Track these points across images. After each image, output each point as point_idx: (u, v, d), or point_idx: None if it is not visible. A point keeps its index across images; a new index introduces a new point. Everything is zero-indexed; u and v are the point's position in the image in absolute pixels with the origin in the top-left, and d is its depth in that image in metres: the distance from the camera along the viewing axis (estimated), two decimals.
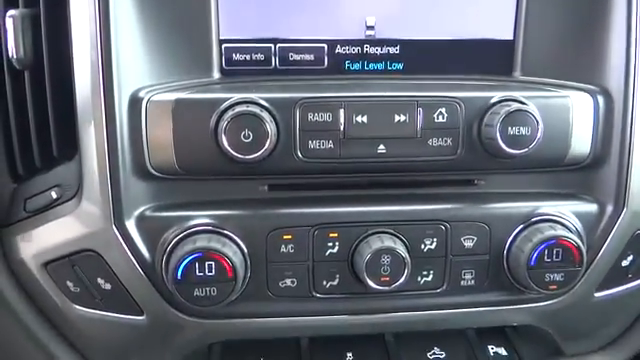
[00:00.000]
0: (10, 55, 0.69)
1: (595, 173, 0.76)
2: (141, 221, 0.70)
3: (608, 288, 0.80)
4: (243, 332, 0.75)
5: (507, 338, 0.84)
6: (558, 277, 0.72)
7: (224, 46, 0.74)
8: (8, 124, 0.72)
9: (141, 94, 0.68)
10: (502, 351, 0.83)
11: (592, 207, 0.76)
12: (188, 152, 0.68)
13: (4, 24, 0.69)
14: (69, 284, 0.73)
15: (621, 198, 0.75)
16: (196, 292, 0.67)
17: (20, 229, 0.74)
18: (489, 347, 0.83)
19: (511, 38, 0.78)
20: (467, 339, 0.83)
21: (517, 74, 0.79)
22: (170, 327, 0.74)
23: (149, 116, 0.68)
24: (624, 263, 0.79)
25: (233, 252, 0.68)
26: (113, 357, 0.81)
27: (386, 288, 0.70)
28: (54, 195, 0.72)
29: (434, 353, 0.82)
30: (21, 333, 0.77)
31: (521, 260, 0.72)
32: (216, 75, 0.74)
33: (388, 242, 0.70)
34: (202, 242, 0.67)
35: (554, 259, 0.71)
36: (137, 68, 0.69)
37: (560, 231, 0.72)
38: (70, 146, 0.71)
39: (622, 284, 0.81)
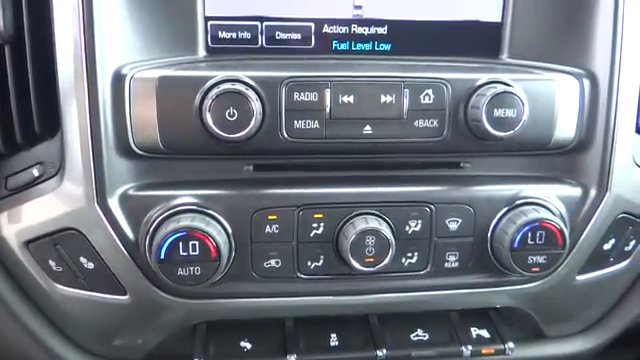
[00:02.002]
0: None
1: (579, 157, 0.76)
2: (124, 200, 0.69)
3: (590, 271, 0.81)
4: (227, 312, 0.75)
5: (490, 320, 0.85)
6: (541, 259, 0.72)
7: (210, 23, 0.73)
8: None
9: (124, 71, 0.67)
10: (485, 333, 0.83)
11: (576, 191, 0.76)
12: (172, 130, 0.68)
13: None
14: (51, 263, 0.72)
15: (604, 182, 0.76)
16: (180, 272, 0.67)
17: (1, 207, 0.73)
18: (472, 329, 0.83)
19: (499, 20, 0.77)
20: (450, 321, 0.84)
21: (504, 56, 0.79)
22: (154, 307, 0.74)
23: (133, 93, 0.67)
24: (606, 247, 0.80)
25: (217, 232, 0.68)
26: (96, 337, 0.80)
27: (370, 269, 0.70)
28: (36, 173, 0.71)
29: (417, 335, 0.82)
30: (3, 312, 0.76)
31: (505, 242, 0.72)
32: (202, 53, 0.74)
33: (373, 223, 0.70)
34: (186, 221, 0.67)
35: (537, 242, 0.72)
36: (121, 44, 0.68)
37: (544, 214, 0.72)
38: (52, 123, 0.70)
39: (604, 267, 0.82)
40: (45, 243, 0.71)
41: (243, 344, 0.79)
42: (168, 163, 0.71)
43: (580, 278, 0.81)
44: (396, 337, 0.81)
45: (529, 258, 0.72)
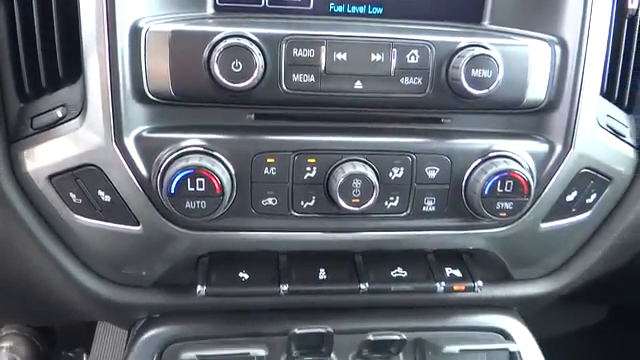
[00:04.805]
0: None
1: (548, 117, 0.84)
2: (139, 141, 0.77)
3: (553, 220, 0.90)
4: (228, 244, 0.84)
5: (463, 262, 0.94)
6: (508, 206, 0.81)
7: None
8: (16, 46, 0.78)
9: (141, 24, 0.74)
10: (457, 273, 0.93)
11: (543, 147, 0.85)
12: (183, 79, 0.75)
13: None
14: (72, 196, 0.81)
15: (569, 139, 0.84)
16: (187, 205, 0.75)
17: (27, 145, 0.81)
18: (446, 269, 0.93)
19: None
20: (427, 262, 0.93)
21: (486, 23, 0.86)
22: (163, 237, 0.83)
23: (148, 45, 0.74)
24: (569, 198, 0.89)
25: (221, 171, 0.76)
26: (110, 265, 0.90)
27: (356, 209, 0.79)
28: (59, 114, 0.78)
29: (397, 272, 0.92)
30: (28, 240, 0.85)
31: (476, 189, 0.81)
32: (210, 10, 0.81)
33: (360, 168, 0.79)
34: (194, 160, 0.75)
35: (505, 190, 0.81)
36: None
37: (512, 165, 0.81)
38: (75, 69, 0.77)
39: (566, 217, 0.91)
40: (67, 177, 0.79)
41: (241, 274, 0.88)
42: (178, 109, 0.79)
43: (544, 226, 0.90)
44: (378, 273, 0.91)
45: (497, 204, 0.81)
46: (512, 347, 0.92)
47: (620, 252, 1.03)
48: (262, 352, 0.86)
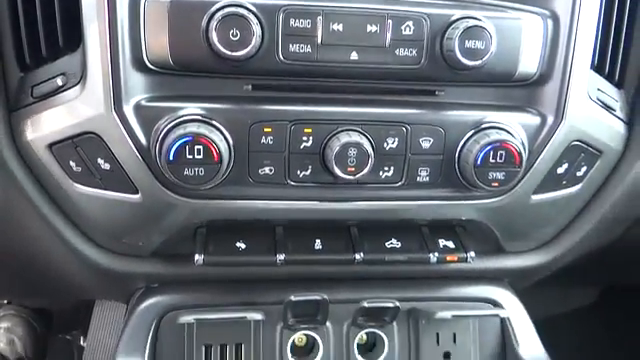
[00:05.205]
0: None
1: (540, 89, 0.86)
2: (138, 109, 0.78)
3: (544, 192, 0.92)
4: (226, 212, 0.86)
5: (456, 234, 0.96)
6: (500, 176, 0.83)
7: None
8: (17, 15, 0.79)
9: None
10: (450, 244, 0.95)
11: (535, 119, 0.86)
12: (181, 48, 0.76)
13: None
14: (72, 164, 0.82)
15: (560, 112, 0.86)
16: (186, 172, 0.77)
17: (27, 113, 0.82)
18: (439, 240, 0.95)
19: None
20: (421, 234, 0.95)
21: None
22: (162, 206, 0.84)
23: (147, 14, 0.75)
24: (559, 170, 0.90)
25: (219, 139, 0.77)
26: (109, 234, 0.91)
27: (351, 177, 0.80)
28: (59, 82, 0.79)
29: (391, 243, 0.93)
30: (28, 208, 0.86)
31: (469, 160, 0.83)
32: None
33: (355, 138, 0.80)
34: (192, 128, 0.76)
35: (497, 160, 0.82)
36: None
37: (504, 136, 0.82)
38: (75, 37, 0.78)
39: (557, 190, 0.93)
40: (67, 146, 0.81)
41: (238, 244, 0.90)
42: (177, 79, 0.80)
43: (535, 198, 0.92)
44: (372, 244, 0.93)
45: (490, 174, 0.83)
46: (502, 313, 0.94)
47: (610, 227, 1.05)
48: (259, 316, 0.87)
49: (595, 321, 1.84)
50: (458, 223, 0.97)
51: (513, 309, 1.00)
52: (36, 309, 1.93)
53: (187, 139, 0.76)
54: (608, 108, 0.91)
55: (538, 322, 1.04)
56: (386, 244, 0.93)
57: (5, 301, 1.94)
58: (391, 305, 0.89)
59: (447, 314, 0.91)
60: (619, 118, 0.94)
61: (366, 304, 0.88)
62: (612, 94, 0.93)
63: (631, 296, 1.73)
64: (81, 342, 1.91)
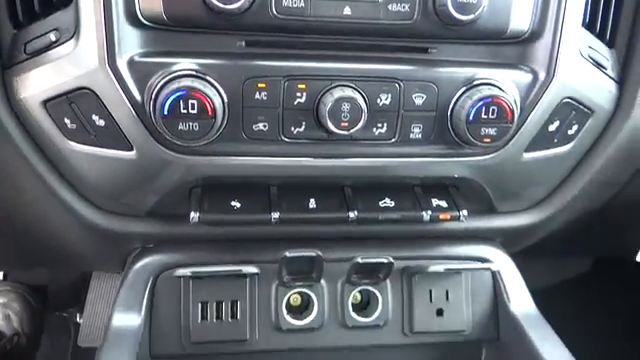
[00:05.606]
0: None
1: (531, 47, 0.87)
2: (132, 64, 0.79)
3: (536, 150, 0.93)
4: (221, 169, 0.86)
5: (449, 194, 0.97)
6: (492, 132, 0.84)
7: None
8: None
9: None
10: (443, 203, 0.96)
11: (527, 76, 0.87)
12: (175, 2, 0.76)
13: None
14: (66, 121, 0.82)
15: (552, 68, 0.86)
16: (180, 127, 0.77)
17: (21, 70, 0.82)
18: (432, 200, 0.96)
19: None
20: (414, 194, 0.96)
21: None
22: (157, 163, 0.84)
23: None
24: (551, 128, 0.91)
25: (213, 94, 0.78)
26: (104, 193, 0.91)
27: (345, 132, 0.81)
28: (52, 38, 0.79)
29: (385, 202, 0.94)
30: (24, 168, 0.87)
31: (462, 116, 0.83)
32: None
33: (349, 93, 0.81)
34: (186, 82, 0.77)
35: (489, 116, 0.83)
36: None
37: (496, 92, 0.83)
38: None
39: (548, 148, 0.94)
40: (61, 102, 0.81)
41: (233, 203, 0.90)
42: (171, 35, 0.80)
43: (527, 156, 0.93)
44: (366, 203, 0.94)
45: (482, 130, 0.84)
46: (494, 267, 0.96)
47: (600, 189, 1.06)
48: (254, 269, 0.89)
49: (589, 292, 1.86)
50: (451, 183, 0.98)
51: (504, 266, 1.01)
52: (32, 286, 1.94)
53: (181, 93, 0.76)
54: (599, 66, 0.92)
55: (532, 293, 1.06)
56: (380, 203, 0.94)
57: (1, 277, 1.94)
58: (385, 261, 0.90)
59: (440, 267, 0.92)
60: (610, 77, 0.94)
61: (360, 260, 0.89)
62: (604, 52, 0.93)
63: (624, 267, 1.75)
64: (77, 319, 1.92)
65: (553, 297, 1.38)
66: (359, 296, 1.01)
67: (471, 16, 0.78)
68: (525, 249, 1.18)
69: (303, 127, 0.84)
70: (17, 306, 1.88)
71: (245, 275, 0.93)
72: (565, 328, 0.97)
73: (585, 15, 0.89)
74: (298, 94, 0.82)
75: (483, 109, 0.83)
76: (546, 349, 0.90)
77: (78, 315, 1.93)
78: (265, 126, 0.83)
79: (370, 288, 0.99)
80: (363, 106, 0.81)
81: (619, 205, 1.15)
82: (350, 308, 0.98)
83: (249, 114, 0.82)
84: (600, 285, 1.88)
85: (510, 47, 0.87)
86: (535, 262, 1.24)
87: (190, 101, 0.77)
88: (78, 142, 0.84)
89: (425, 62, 0.86)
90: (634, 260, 1.35)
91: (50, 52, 0.80)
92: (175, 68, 0.79)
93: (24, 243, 1.12)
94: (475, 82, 0.85)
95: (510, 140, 0.89)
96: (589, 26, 0.92)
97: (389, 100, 0.84)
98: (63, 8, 0.79)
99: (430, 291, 1.00)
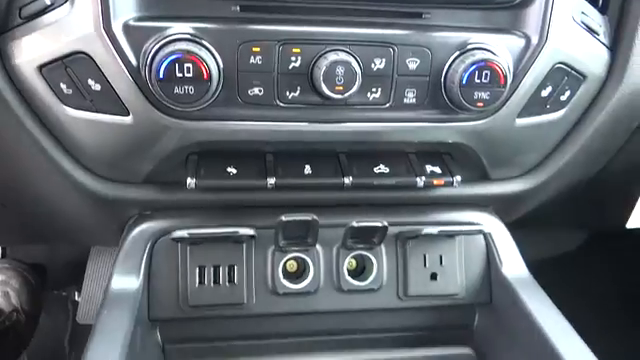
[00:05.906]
0: None
1: (524, 12, 0.87)
2: (127, 29, 0.79)
3: (528, 115, 0.93)
4: (217, 134, 0.87)
5: (443, 161, 0.98)
6: (485, 95, 0.85)
7: None
8: None
9: None
10: (437, 170, 0.97)
11: (520, 41, 0.88)
12: None
13: None
14: (62, 86, 0.82)
15: (544, 33, 0.87)
16: (176, 90, 0.78)
17: (16, 35, 0.82)
18: (426, 166, 0.97)
19: None
20: (409, 160, 0.98)
21: None
22: (153, 127, 0.85)
23: None
24: (543, 93, 0.92)
25: (208, 57, 0.78)
26: (100, 159, 0.92)
27: (339, 96, 0.82)
28: (47, 1, 0.79)
29: (380, 168, 0.95)
30: (20, 134, 0.87)
31: (455, 80, 0.84)
32: None
33: (343, 56, 0.81)
34: (181, 46, 0.77)
35: (483, 80, 0.84)
36: None
37: (489, 56, 0.84)
38: None
39: (541, 113, 0.94)
40: (57, 67, 0.81)
41: (229, 170, 0.91)
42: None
43: (520, 121, 0.93)
44: (361, 169, 0.95)
45: (475, 94, 0.85)
46: (485, 229, 0.97)
47: (593, 156, 1.08)
48: (251, 232, 0.90)
49: (583, 264, 1.89)
50: (445, 151, 0.99)
51: (497, 231, 1.03)
52: (31, 264, 1.95)
53: (177, 56, 0.77)
54: (592, 32, 0.92)
55: (527, 266, 1.07)
56: (374, 169, 0.95)
57: None
58: (379, 224, 0.91)
59: (434, 230, 0.93)
60: (603, 43, 0.95)
61: (355, 223, 0.90)
62: (596, 18, 0.94)
63: (619, 240, 1.77)
64: (76, 297, 1.93)
65: (546, 268, 1.40)
66: (355, 263, 1.02)
67: None
68: (519, 219, 1.19)
69: (298, 92, 0.84)
70: (16, 283, 1.89)
71: (242, 239, 0.94)
72: (559, 298, 0.98)
73: None
74: (293, 58, 0.83)
75: (476, 73, 0.84)
76: (538, 310, 0.91)
77: (76, 293, 1.95)
78: (260, 91, 0.84)
79: (365, 253, 1.00)
80: (357, 70, 0.81)
81: (611, 173, 1.16)
82: (345, 272, 1.00)
83: (244, 78, 0.82)
84: (596, 259, 1.90)
85: (503, 12, 0.88)
86: (529, 235, 1.25)
87: (185, 64, 0.77)
88: (74, 107, 0.84)
89: (419, 27, 0.86)
90: (624, 229, 1.36)
91: (45, 16, 0.80)
92: (170, 32, 0.79)
93: (22, 214, 1.13)
94: (468, 47, 0.85)
95: (503, 105, 0.89)
96: None
97: (383, 65, 0.85)
98: None
99: (424, 256, 1.02)
